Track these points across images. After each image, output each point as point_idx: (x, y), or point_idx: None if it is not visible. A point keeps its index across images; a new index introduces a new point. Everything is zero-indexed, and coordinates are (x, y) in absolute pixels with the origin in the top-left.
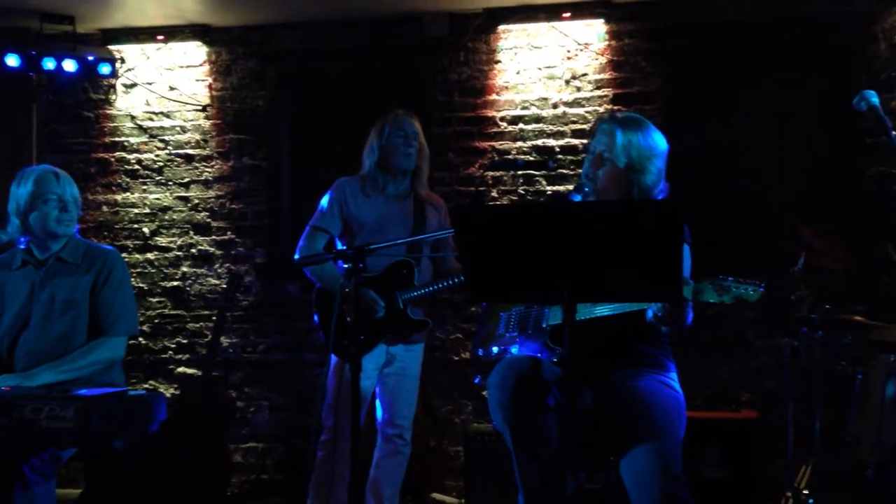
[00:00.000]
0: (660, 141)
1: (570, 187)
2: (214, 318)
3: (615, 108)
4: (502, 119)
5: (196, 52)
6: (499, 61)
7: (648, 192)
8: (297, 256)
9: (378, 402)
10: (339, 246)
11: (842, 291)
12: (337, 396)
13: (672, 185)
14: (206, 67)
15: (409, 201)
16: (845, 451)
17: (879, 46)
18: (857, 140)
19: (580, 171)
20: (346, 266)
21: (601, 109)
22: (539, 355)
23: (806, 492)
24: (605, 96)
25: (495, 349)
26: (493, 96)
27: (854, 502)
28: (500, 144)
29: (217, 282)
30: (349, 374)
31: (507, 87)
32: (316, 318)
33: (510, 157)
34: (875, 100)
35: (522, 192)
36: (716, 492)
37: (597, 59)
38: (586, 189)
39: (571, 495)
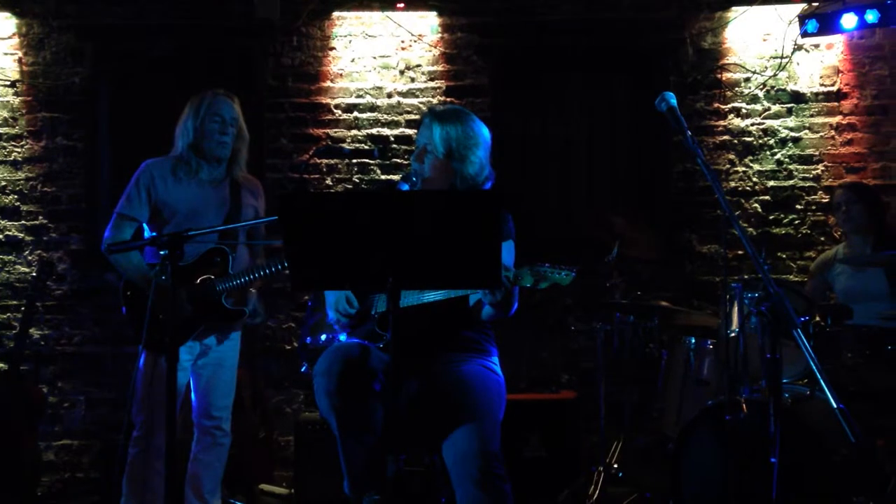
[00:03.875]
0: (481, 131)
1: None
2: (23, 308)
3: (448, 99)
4: (337, 106)
5: (4, 23)
6: (333, 48)
7: (472, 180)
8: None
9: (193, 395)
10: (148, 233)
11: (651, 279)
12: (148, 391)
13: (497, 177)
14: (16, 40)
15: (224, 186)
16: (651, 427)
17: (687, 51)
18: (665, 138)
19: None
20: (162, 253)
21: (435, 101)
22: (366, 342)
23: (616, 466)
24: (439, 88)
25: (323, 337)
26: (328, 83)
27: (657, 473)
28: (335, 132)
29: (27, 269)
30: (161, 367)
31: (341, 75)
32: (124, 309)
33: (343, 144)
34: (673, 101)
35: (357, 180)
36: (536, 471)
37: (430, 51)
38: (414, 179)
39: (391, 477)
